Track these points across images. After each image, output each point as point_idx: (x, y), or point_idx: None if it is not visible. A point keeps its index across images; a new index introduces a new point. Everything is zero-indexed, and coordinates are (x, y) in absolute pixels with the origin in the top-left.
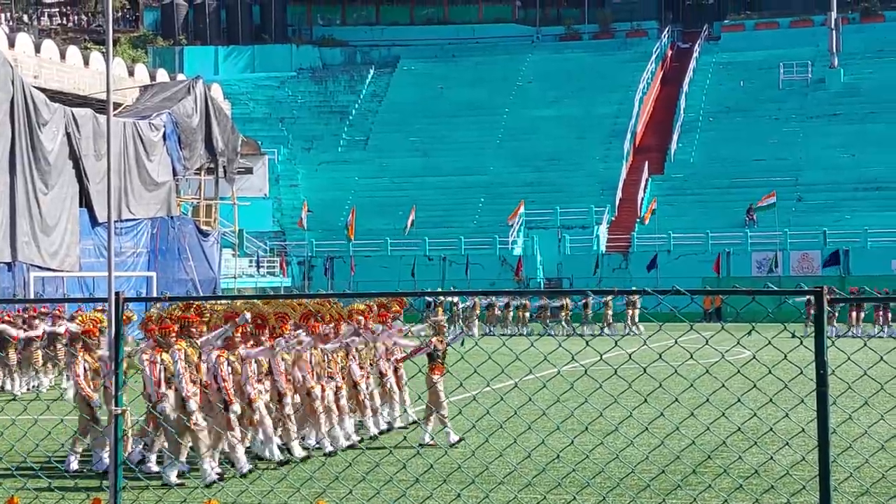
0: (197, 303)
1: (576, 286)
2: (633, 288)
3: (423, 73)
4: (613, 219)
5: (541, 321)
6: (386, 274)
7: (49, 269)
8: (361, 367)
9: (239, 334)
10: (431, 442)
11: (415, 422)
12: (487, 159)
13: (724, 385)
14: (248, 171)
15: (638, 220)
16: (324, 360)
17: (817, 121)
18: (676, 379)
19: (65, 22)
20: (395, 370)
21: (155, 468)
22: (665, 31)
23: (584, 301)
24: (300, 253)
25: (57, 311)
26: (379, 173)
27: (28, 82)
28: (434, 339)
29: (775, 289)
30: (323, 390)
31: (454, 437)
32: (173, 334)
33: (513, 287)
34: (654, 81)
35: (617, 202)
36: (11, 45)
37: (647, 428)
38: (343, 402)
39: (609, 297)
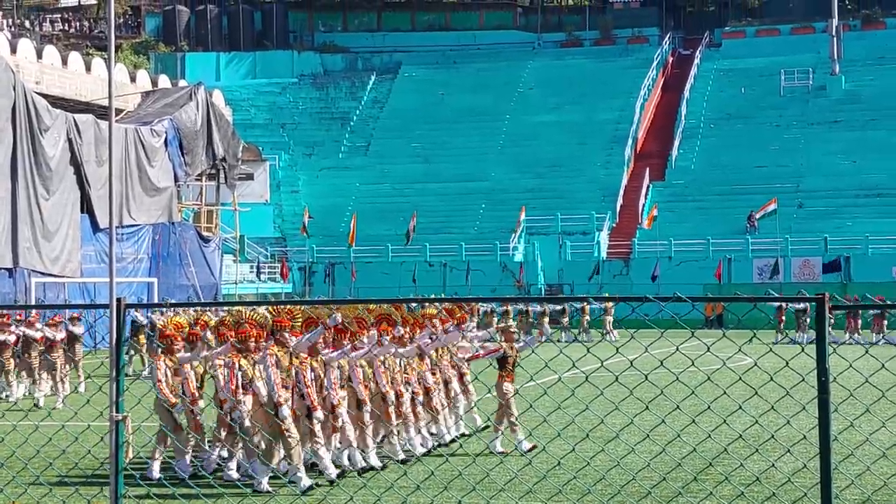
0: (288, 306)
1: (577, 292)
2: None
3: (424, 80)
4: (614, 225)
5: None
6: (387, 280)
7: (50, 275)
8: (433, 373)
9: (320, 339)
10: (502, 449)
11: (484, 428)
12: (488, 165)
13: (725, 392)
14: (250, 177)
15: (639, 225)
16: (399, 366)
17: (818, 127)
18: (678, 386)
19: (67, 28)
20: (461, 376)
21: (235, 475)
22: (666, 38)
23: (581, 307)
24: (301, 259)
25: (31, 319)
26: (380, 179)
27: (30, 88)
28: (505, 346)
29: (776, 296)
30: (400, 396)
31: (527, 445)
32: (252, 339)
33: (513, 293)
34: (655, 88)
35: (618, 208)
36: (13, 50)
37: (648, 435)
38: (420, 408)
39: (611, 304)
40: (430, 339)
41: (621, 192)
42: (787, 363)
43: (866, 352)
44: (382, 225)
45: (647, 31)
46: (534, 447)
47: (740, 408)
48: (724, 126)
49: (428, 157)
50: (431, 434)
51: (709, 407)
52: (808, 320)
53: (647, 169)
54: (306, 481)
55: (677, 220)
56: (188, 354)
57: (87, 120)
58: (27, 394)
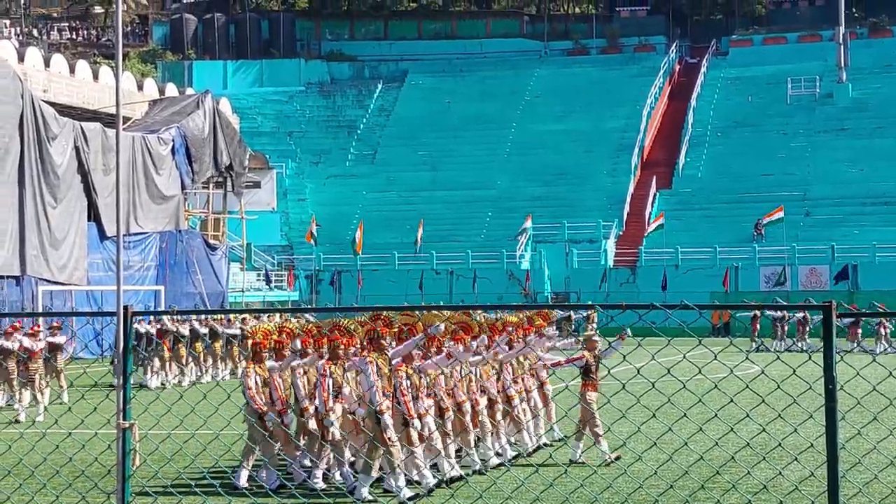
0: (385, 313)
1: (583, 300)
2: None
3: (430, 88)
4: (621, 233)
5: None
6: (393, 288)
7: (57, 283)
8: (515, 382)
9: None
10: (582, 460)
11: (562, 438)
12: (495, 173)
13: (732, 400)
14: (256, 185)
15: (647, 234)
16: (474, 374)
17: (825, 135)
18: (685, 394)
19: (74, 36)
20: (541, 385)
21: (321, 484)
22: (673, 46)
23: (586, 314)
24: (308, 267)
25: (10, 329)
26: (386, 187)
27: (37, 96)
28: (587, 354)
29: (783, 303)
30: (477, 405)
31: (610, 455)
32: (342, 347)
33: (520, 301)
34: (662, 96)
35: (625, 216)
36: (21, 59)
37: (655, 443)
38: (498, 416)
39: (594, 312)
40: (509, 346)
41: (628, 200)
42: (794, 371)
43: (873, 360)
44: (389, 233)
45: (653, 39)
46: (618, 458)
47: (747, 416)
48: (731, 134)
49: (435, 165)
50: (512, 443)
51: (716, 415)
52: (787, 328)
53: (654, 177)
54: (407, 491)
55: (684, 229)
56: (277, 364)
57: (94, 128)
58: (7, 404)
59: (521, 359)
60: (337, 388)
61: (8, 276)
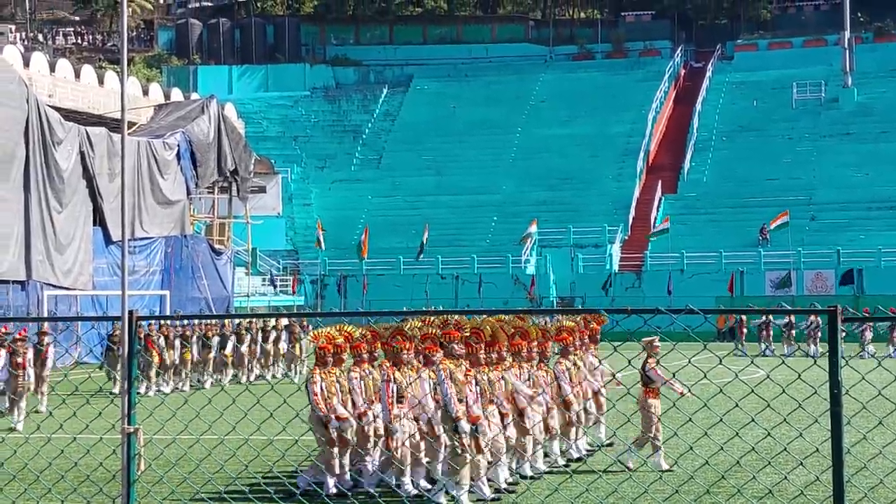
0: (456, 317)
1: (588, 305)
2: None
3: (436, 93)
4: (626, 238)
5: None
6: (399, 293)
7: (62, 288)
8: (571, 388)
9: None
10: (632, 467)
11: (609, 444)
12: (500, 178)
13: (737, 405)
14: (262, 189)
15: (649, 236)
16: (529, 381)
17: (830, 140)
18: (690, 398)
19: (80, 41)
20: (595, 392)
21: (373, 491)
22: (678, 51)
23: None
24: (313, 271)
25: (19, 335)
26: (392, 192)
27: (43, 101)
28: (650, 361)
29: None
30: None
31: (665, 464)
32: (404, 351)
33: (525, 306)
34: (668, 101)
35: (630, 221)
36: (27, 64)
37: (660, 447)
38: (554, 422)
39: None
40: (563, 353)
41: (633, 205)
42: (800, 375)
43: (879, 364)
44: (394, 238)
45: (658, 43)
46: (670, 469)
47: (753, 420)
48: (737, 139)
49: (440, 170)
50: (561, 452)
51: (721, 419)
52: (794, 333)
53: (660, 181)
54: (487, 491)
55: (689, 233)
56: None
57: (99, 133)
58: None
59: (579, 363)
60: (399, 393)
61: (13, 281)
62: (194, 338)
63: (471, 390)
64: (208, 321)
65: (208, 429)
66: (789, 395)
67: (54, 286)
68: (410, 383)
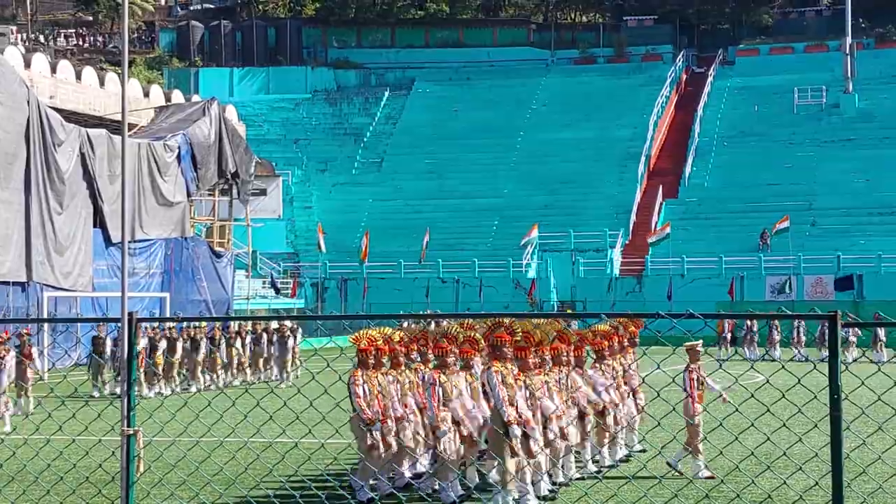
0: (508, 320)
1: (589, 309)
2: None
3: (437, 96)
4: (627, 242)
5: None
6: (399, 296)
7: (62, 289)
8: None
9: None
10: (682, 469)
11: (643, 450)
12: (501, 182)
13: (737, 409)
14: (262, 192)
15: (651, 243)
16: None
17: (831, 145)
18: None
19: (81, 43)
20: (634, 394)
21: (369, 495)
22: (680, 56)
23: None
24: (314, 274)
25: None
26: (393, 195)
27: (44, 102)
28: (693, 366)
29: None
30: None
31: (705, 473)
32: (451, 355)
33: (526, 310)
34: (669, 105)
35: (631, 225)
36: (27, 65)
37: (660, 451)
38: (588, 428)
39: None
40: (598, 354)
41: (634, 210)
42: (800, 380)
43: (879, 369)
44: (395, 241)
45: (660, 48)
46: (712, 477)
47: (752, 425)
48: (738, 144)
49: (441, 174)
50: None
51: (721, 424)
52: (780, 337)
53: (661, 186)
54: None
55: (690, 238)
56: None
57: (100, 134)
58: None
59: (617, 366)
60: (447, 397)
61: (14, 283)
62: (179, 341)
63: (521, 394)
64: (197, 324)
65: (207, 431)
66: (789, 400)
67: (54, 288)
68: (454, 386)
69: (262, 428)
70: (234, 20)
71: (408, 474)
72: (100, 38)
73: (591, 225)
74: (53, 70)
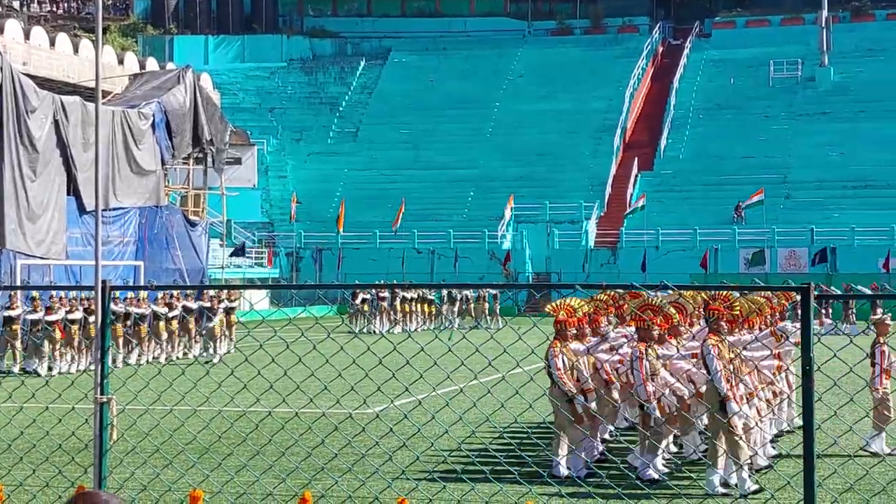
0: (725, 293)
1: (564, 281)
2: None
3: (413, 66)
4: (602, 214)
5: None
6: (375, 266)
7: (36, 257)
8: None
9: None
10: (889, 450)
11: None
12: (477, 153)
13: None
14: (237, 161)
15: (626, 214)
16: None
17: (806, 119)
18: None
19: (55, 9)
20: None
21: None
22: (656, 28)
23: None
24: (288, 244)
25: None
26: (368, 165)
27: (17, 69)
28: (880, 339)
29: (762, 285)
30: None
31: (887, 449)
32: (657, 327)
33: (501, 281)
34: (645, 77)
35: (606, 198)
36: (0, 31)
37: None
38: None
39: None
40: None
41: (610, 182)
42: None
43: (851, 342)
44: (371, 211)
45: (637, 20)
46: (892, 453)
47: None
48: (713, 116)
49: (417, 144)
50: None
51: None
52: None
53: (636, 158)
54: (751, 485)
55: (665, 210)
56: (583, 346)
57: (74, 102)
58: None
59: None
60: (654, 371)
61: None
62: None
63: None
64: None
65: (181, 399)
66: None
67: (27, 255)
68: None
69: (237, 397)
70: None
71: (599, 448)
72: (74, 5)
73: (567, 197)
74: (27, 36)
